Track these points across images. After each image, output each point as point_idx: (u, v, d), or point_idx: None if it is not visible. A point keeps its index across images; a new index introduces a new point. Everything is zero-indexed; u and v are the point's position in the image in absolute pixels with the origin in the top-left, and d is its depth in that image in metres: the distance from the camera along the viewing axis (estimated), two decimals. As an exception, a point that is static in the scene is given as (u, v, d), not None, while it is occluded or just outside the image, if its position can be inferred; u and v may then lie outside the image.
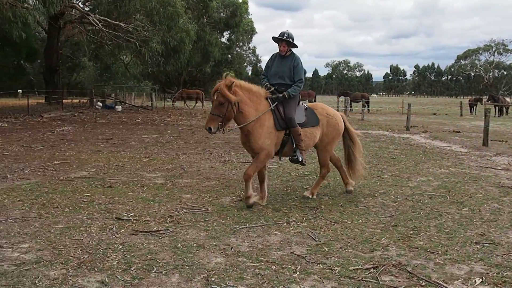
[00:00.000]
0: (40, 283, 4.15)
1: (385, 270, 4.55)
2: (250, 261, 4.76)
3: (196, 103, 37.79)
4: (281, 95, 7.01)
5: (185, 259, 4.76)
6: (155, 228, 5.74)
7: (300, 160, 7.06)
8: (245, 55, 73.83)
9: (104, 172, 9.36)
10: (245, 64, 76.11)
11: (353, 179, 7.97)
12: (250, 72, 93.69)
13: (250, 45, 73.50)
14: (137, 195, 7.42)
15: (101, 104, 31.63)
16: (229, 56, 60.49)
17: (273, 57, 7.43)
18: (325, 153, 7.56)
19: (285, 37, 7.15)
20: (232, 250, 5.06)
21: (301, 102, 7.37)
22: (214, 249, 5.08)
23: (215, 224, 6.00)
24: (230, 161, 11.03)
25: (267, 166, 7.42)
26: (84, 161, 10.66)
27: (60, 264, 4.58)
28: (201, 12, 33.21)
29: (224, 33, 54.08)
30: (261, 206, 6.89)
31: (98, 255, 4.81)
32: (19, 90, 46.64)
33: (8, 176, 8.80)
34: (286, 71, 7.20)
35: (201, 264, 4.65)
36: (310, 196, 7.39)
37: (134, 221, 6.05)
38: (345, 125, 7.74)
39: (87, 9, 29.10)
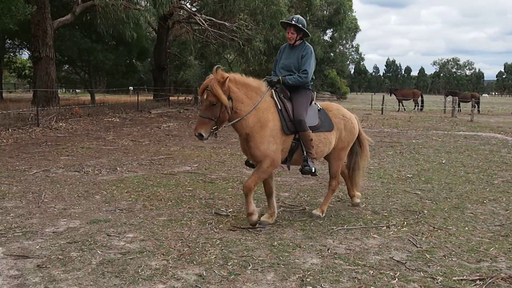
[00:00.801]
0: (143, 272, 4.34)
1: (493, 283, 4.23)
2: (347, 264, 4.65)
3: None
4: (275, 80, 6.01)
5: (281, 258, 4.75)
6: (252, 225, 5.80)
7: (313, 170, 5.95)
8: (347, 53, 72.75)
9: (205, 168, 9.64)
10: (348, 62, 75.01)
11: (352, 190, 6.95)
12: (352, 71, 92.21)
13: (353, 43, 72.29)
14: (236, 192, 7.55)
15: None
16: (331, 54, 59.84)
17: (282, 49, 6.51)
18: (338, 162, 6.49)
19: (293, 22, 6.13)
20: (329, 251, 4.98)
21: (314, 102, 6.33)
22: (310, 250, 5.02)
23: (312, 224, 5.94)
24: (329, 161, 10.87)
25: (273, 176, 6.18)
26: (187, 156, 11.05)
27: (162, 255, 4.76)
28: (304, 10, 33.11)
29: (327, 31, 53.60)
30: (359, 208, 6.72)
31: (197, 249, 4.95)
32: (130, 87, 49.47)
33: (118, 168, 9.35)
34: (295, 62, 6.18)
35: (297, 263, 4.62)
36: (321, 215, 6.25)
37: (233, 217, 6.15)
38: (358, 127, 6.74)
39: (194, 9, 30.13)
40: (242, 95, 5.64)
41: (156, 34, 36.27)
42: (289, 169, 6.72)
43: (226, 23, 25.25)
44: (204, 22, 25.76)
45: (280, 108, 5.84)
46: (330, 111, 6.38)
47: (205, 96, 5.43)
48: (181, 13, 30.63)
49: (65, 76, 45.65)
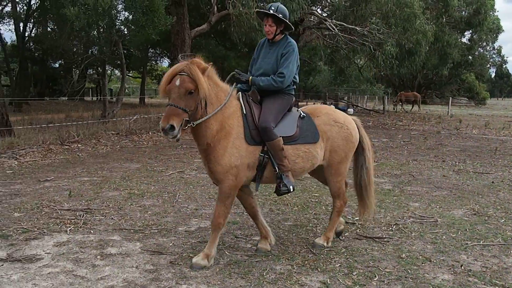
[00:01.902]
0: (268, 275, 4.41)
1: None
2: (482, 282, 4.32)
3: (413, 106, 36.15)
4: (244, 79, 5.00)
5: (409, 271, 4.55)
6: (379, 235, 5.62)
7: (291, 189, 4.77)
8: (488, 56, 67.87)
9: (332, 174, 9.54)
10: (488, 65, 69.95)
11: (365, 213, 5.68)
12: (493, 74, 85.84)
13: (494, 44, 67.26)
14: (363, 199, 7.37)
15: (334, 107, 32.47)
16: (470, 57, 56.26)
17: (259, 46, 5.31)
18: (337, 177, 5.21)
19: (271, 11, 4.92)
20: (462, 268, 4.66)
21: (295, 108, 5.18)
22: (442, 264, 4.74)
23: (444, 237, 5.60)
24: (465, 171, 10.20)
25: (254, 193, 5.22)
26: (315, 162, 11.02)
27: (286, 260, 4.80)
28: (441, 11, 31.56)
29: (465, 33, 50.52)
30: (497, 223, 6.19)
31: (321, 256, 4.91)
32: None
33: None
34: (273, 63, 5.02)
35: (426, 278, 4.39)
36: (325, 244, 5.21)
37: (359, 226, 6.01)
38: (359, 132, 5.45)
39: (324, 14, 30.11)
40: (212, 94, 4.64)
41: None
42: (257, 190, 5.01)
43: (357, 28, 24.86)
44: (334, 27, 25.60)
45: (245, 112, 4.79)
46: (318, 116, 5.16)
47: (178, 82, 4.33)
48: (311, 19, 30.77)
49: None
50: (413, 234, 5.68)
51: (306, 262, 4.76)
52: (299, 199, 7.34)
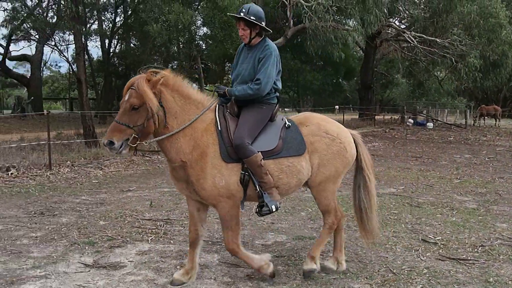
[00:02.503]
0: (346, 294, 4.32)
1: None
2: None
3: (496, 121, 34.29)
4: (221, 92, 4.62)
5: (498, 297, 4.30)
6: (463, 256, 5.36)
7: (273, 209, 4.36)
8: None
9: (412, 191, 9.25)
10: None
11: (367, 238, 5.16)
12: None
13: None
14: (445, 218, 7.07)
15: (412, 121, 31.53)
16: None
17: (239, 51, 4.91)
18: (324, 194, 4.74)
19: (241, 14, 4.56)
20: (557, 296, 4.35)
21: (280, 116, 4.76)
22: (534, 291, 4.45)
23: (536, 261, 5.26)
24: (558, 190, 9.55)
25: (204, 223, 4.82)
26: (393, 178, 10.75)
27: (365, 279, 4.68)
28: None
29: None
30: None
31: (402, 276, 4.75)
32: (336, 106, 50.32)
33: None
34: (250, 69, 4.63)
35: (517, 306, 4.13)
36: (313, 266, 4.69)
37: (441, 246, 5.76)
38: (357, 149, 4.95)
39: (403, 26, 29.48)
40: (177, 108, 4.33)
41: (363, 53, 36.37)
42: (242, 208, 4.57)
43: (437, 39, 24.11)
44: (413, 39, 25.00)
45: (219, 128, 4.43)
46: (306, 126, 4.70)
47: (126, 97, 4.14)
48: (389, 31, 30.26)
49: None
50: (501, 257, 5.36)
51: (385, 281, 4.62)
52: (377, 215, 7.14)
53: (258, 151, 4.33)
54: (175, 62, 26.21)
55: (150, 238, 6.00)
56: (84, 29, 24.05)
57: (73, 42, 31.85)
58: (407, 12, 26.41)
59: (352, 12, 18.85)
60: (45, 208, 7.53)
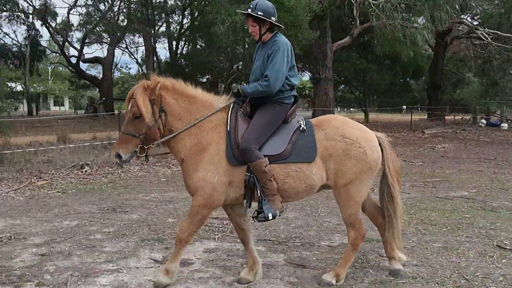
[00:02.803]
0: (416, 299, 4.20)
1: None
2: None
3: None
4: (235, 90, 4.54)
5: None
6: (543, 265, 5.07)
7: (269, 217, 4.25)
8: None
9: (485, 194, 8.85)
10: None
11: (391, 252, 4.82)
12: None
13: None
14: (522, 224, 6.73)
15: (485, 122, 30.28)
16: None
17: (256, 49, 4.82)
18: (347, 201, 4.47)
19: (249, 10, 4.48)
20: None
21: (298, 117, 4.57)
22: None
23: None
24: None
25: (245, 216, 4.73)
26: (465, 181, 10.34)
27: (436, 284, 4.53)
28: None
29: None
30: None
31: (475, 283, 4.56)
32: (404, 106, 49.11)
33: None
34: (260, 65, 4.53)
35: None
36: (333, 281, 4.48)
37: (518, 252, 5.49)
38: (382, 153, 4.61)
39: (475, 23, 28.35)
40: (181, 109, 4.40)
41: (433, 51, 35.28)
42: (244, 211, 4.57)
43: (513, 36, 23.01)
44: (487, 36, 23.98)
45: (228, 129, 4.37)
46: (323, 129, 4.47)
47: (129, 107, 4.31)
48: (460, 28, 29.18)
49: (341, 95, 47.94)
50: None
51: (458, 288, 4.45)
52: (448, 219, 6.91)
53: (265, 155, 4.26)
54: (241, 62, 26.51)
55: (217, 236, 6.09)
56: (153, 32, 24.76)
57: (143, 44, 33.10)
58: (480, 8, 25.34)
59: (421, 9, 18.34)
60: (116, 205, 7.82)
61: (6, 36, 39.76)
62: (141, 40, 33.14)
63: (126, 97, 4.41)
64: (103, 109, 31.43)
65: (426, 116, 34.71)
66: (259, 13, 4.41)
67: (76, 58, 35.53)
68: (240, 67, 26.21)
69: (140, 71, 43.55)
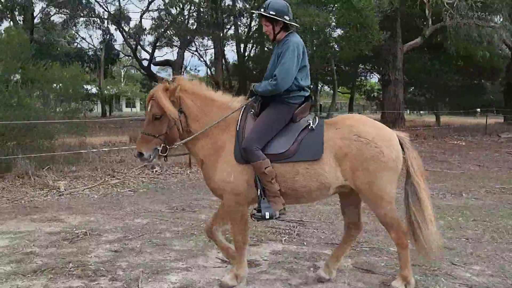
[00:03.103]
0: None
1: None
2: None
3: None
4: (251, 88, 4.55)
5: None
6: None
7: (266, 216, 4.24)
8: None
9: None
10: None
11: (423, 255, 4.52)
12: None
13: None
14: None
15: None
16: None
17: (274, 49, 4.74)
18: (375, 202, 4.32)
19: (261, 10, 4.48)
20: None
21: (310, 116, 4.50)
22: None
23: None
24: None
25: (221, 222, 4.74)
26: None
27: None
28: None
29: None
30: None
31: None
32: (477, 109, 47.11)
33: (463, 194, 8.96)
34: (272, 65, 4.48)
35: None
36: (403, 287, 4.33)
37: None
38: (405, 154, 4.42)
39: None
40: (198, 111, 4.47)
41: (510, 51, 33.64)
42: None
43: None
44: None
45: (238, 128, 4.41)
46: (338, 128, 4.37)
47: (149, 108, 4.42)
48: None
49: (411, 98, 46.62)
50: None
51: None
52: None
53: (269, 154, 4.26)
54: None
55: (284, 238, 6.08)
56: (221, 35, 25.15)
57: (212, 47, 33.72)
58: None
59: (498, 8, 17.52)
60: (185, 205, 7.99)
61: (83, 41, 41.67)
62: (210, 43, 33.77)
63: (146, 99, 4.53)
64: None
65: (502, 120, 33.16)
66: (271, 12, 4.40)
67: (147, 61, 36.66)
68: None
69: (209, 73, 44.44)
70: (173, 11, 27.66)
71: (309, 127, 4.38)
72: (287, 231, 6.41)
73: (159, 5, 30.98)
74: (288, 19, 4.47)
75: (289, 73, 4.32)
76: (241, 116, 4.48)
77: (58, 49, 34.08)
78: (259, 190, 4.28)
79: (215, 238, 4.78)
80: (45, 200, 8.48)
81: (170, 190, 9.38)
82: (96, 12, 34.78)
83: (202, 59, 35.85)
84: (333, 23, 16.20)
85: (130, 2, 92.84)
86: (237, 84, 37.39)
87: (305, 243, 5.89)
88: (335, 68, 18.30)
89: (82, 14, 34.70)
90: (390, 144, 4.32)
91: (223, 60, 31.87)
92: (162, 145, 4.38)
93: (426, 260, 4.77)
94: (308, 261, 5.23)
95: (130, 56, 45.10)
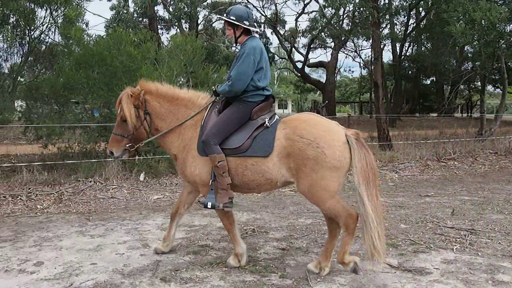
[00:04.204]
0: None
1: None
2: None
3: None
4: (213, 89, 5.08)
5: None
6: None
7: (208, 205, 4.71)
8: None
9: None
10: None
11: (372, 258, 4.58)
12: None
13: None
14: None
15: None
16: None
17: None
18: (317, 198, 4.59)
19: (224, 16, 4.94)
20: None
21: (268, 115, 4.85)
22: None
23: None
24: None
25: (189, 193, 5.38)
26: None
27: None
28: None
29: None
30: None
31: None
32: None
33: None
34: (232, 68, 4.90)
35: None
36: (316, 270, 4.79)
37: None
38: (351, 153, 4.51)
39: None
40: (164, 111, 5.01)
41: None
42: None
43: None
44: None
45: (202, 123, 4.87)
46: (284, 129, 4.66)
47: (118, 111, 4.98)
48: None
49: None
50: None
51: None
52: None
53: (226, 148, 4.68)
54: (469, 63, 24.71)
55: (455, 247, 5.72)
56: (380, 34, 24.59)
57: (367, 47, 33.09)
58: None
59: None
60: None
61: (241, 45, 43.48)
62: (365, 43, 33.25)
63: (116, 102, 5.08)
64: (326, 112, 32.33)
65: None
66: (231, 17, 4.87)
67: (301, 63, 37.21)
68: (468, 67, 24.40)
69: (362, 74, 43.83)
70: (329, 12, 27.68)
71: (265, 125, 4.75)
72: (457, 239, 6.03)
73: (312, 11, 31.22)
74: (247, 24, 4.89)
75: (243, 75, 4.71)
76: (207, 114, 4.94)
77: (219, 53, 36.01)
78: (211, 180, 4.73)
79: (172, 221, 5.42)
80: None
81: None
82: (254, 17, 36.14)
83: (361, 58, 35.42)
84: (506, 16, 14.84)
85: (286, 5, 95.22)
86: (392, 84, 36.39)
87: (479, 254, 5.48)
88: (504, 66, 16.82)
89: (242, 19, 36.26)
90: (333, 144, 4.49)
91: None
92: (129, 144, 5.01)
93: (374, 260, 4.66)
94: (485, 273, 4.85)
95: (284, 58, 46.20)
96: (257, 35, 5.14)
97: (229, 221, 5.00)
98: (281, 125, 4.75)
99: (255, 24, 5.10)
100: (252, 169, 4.69)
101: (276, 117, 4.93)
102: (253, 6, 33.94)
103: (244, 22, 4.90)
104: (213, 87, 5.42)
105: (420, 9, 28.10)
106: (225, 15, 5.00)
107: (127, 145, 5.03)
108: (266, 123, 4.78)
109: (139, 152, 5.80)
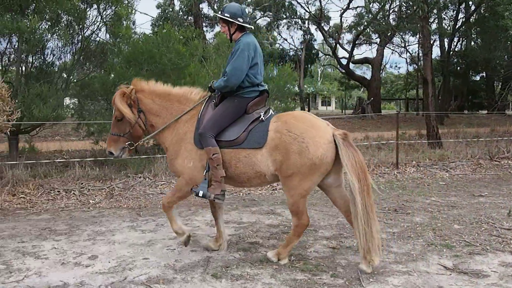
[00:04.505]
0: None
1: None
2: None
3: None
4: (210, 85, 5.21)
5: None
6: None
7: (199, 194, 4.85)
8: None
9: None
10: None
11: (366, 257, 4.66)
12: None
13: None
14: None
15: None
16: None
17: None
18: (290, 191, 4.79)
19: (219, 14, 5.04)
20: None
21: (262, 110, 5.04)
22: None
23: None
24: None
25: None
26: None
27: None
28: None
29: None
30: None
31: None
32: None
33: None
34: (227, 63, 5.09)
35: None
36: (274, 259, 4.98)
37: None
38: (338, 151, 4.65)
39: None
40: (157, 107, 5.20)
41: None
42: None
43: None
44: None
45: (199, 116, 5.04)
46: (275, 122, 4.86)
47: (113, 112, 5.18)
48: None
49: None
50: None
51: None
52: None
53: (222, 141, 4.84)
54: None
55: (513, 249, 5.52)
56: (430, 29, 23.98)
57: (414, 42, 32.36)
58: None
59: None
60: (397, 206, 7.78)
61: (285, 42, 43.46)
62: (412, 39, 32.53)
63: (111, 102, 5.27)
64: (371, 109, 31.88)
65: None
66: (226, 14, 4.98)
67: (346, 59, 36.79)
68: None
69: (409, 70, 42.95)
70: (375, 7, 27.22)
71: (260, 118, 4.93)
72: (516, 241, 5.81)
73: (357, 6, 30.78)
74: (241, 21, 5.01)
75: (238, 70, 4.84)
76: (203, 107, 5.09)
77: (264, 50, 36.04)
78: (205, 171, 4.89)
79: (216, 219, 5.54)
80: (261, 193, 9.01)
81: (379, 190, 9.22)
82: (298, 14, 35.99)
83: (403, 56, 34.75)
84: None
85: (331, 1, 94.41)
86: (440, 81, 35.49)
87: (539, 256, 5.26)
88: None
89: (284, 16, 36.25)
90: (318, 141, 4.64)
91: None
92: (128, 142, 5.20)
93: (367, 259, 4.70)
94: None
95: (329, 55, 45.85)
96: (251, 32, 5.29)
97: (169, 205, 5.20)
98: (274, 119, 4.95)
99: (249, 21, 5.22)
100: (244, 161, 4.87)
101: (271, 112, 5.14)
102: (298, 2, 33.87)
103: (238, 19, 5.04)
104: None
105: (470, 2, 27.23)
106: (219, 12, 5.13)
107: (125, 144, 5.24)
108: (262, 117, 4.98)
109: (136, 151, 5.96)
